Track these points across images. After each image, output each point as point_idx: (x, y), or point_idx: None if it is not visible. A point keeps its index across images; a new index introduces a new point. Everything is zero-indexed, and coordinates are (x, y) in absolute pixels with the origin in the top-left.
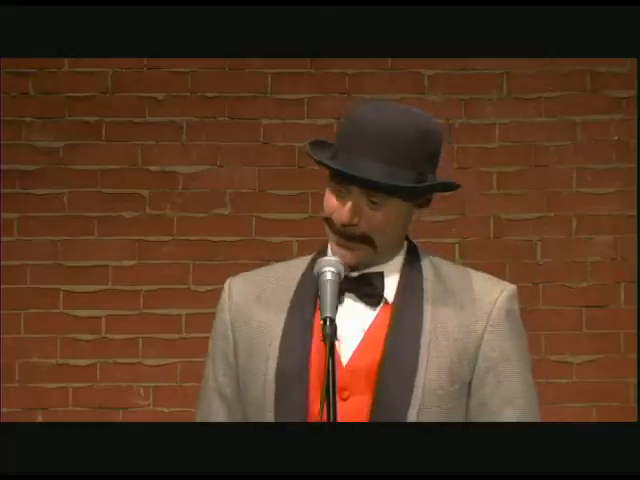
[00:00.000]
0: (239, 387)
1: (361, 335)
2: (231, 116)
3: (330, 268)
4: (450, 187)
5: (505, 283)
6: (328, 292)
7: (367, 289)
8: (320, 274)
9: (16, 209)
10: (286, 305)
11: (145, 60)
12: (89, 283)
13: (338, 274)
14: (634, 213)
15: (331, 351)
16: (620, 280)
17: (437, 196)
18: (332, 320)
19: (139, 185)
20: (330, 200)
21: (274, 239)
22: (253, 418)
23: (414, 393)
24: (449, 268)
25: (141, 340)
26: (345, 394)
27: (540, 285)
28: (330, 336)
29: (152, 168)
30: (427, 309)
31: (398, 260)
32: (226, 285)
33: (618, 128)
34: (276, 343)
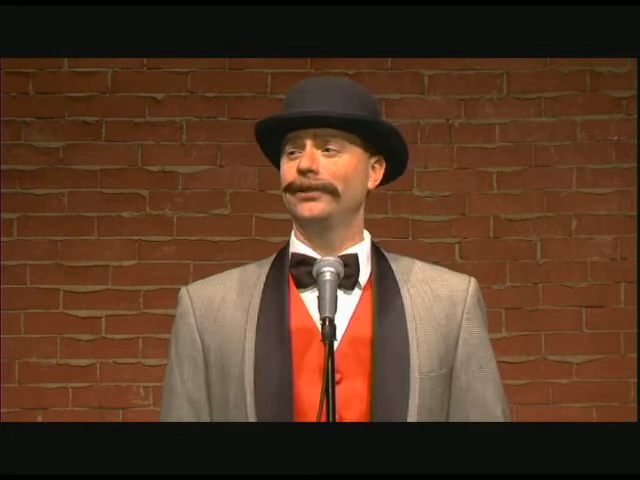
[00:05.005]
0: (208, 392)
1: (346, 321)
2: (231, 116)
3: (329, 268)
4: (396, 134)
5: (466, 274)
6: (327, 292)
7: (345, 270)
8: (319, 274)
9: (16, 209)
10: (256, 302)
11: (145, 60)
12: (89, 283)
13: (337, 274)
14: (634, 213)
15: (330, 351)
16: (620, 280)
17: (437, 196)
18: (331, 320)
19: (139, 185)
20: (286, 169)
21: (274, 239)
22: (233, 416)
23: (412, 376)
24: (410, 261)
25: (141, 340)
26: (337, 377)
27: (540, 285)
28: (329, 336)
29: (152, 168)
30: (405, 296)
31: (365, 247)
32: (183, 293)
33: (618, 128)
34: (251, 338)
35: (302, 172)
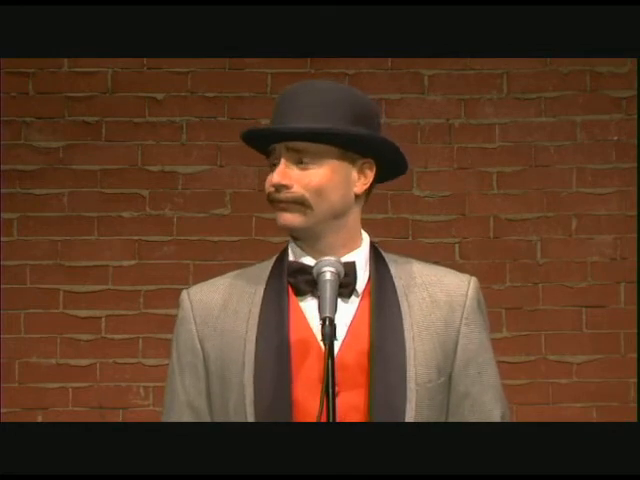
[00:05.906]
0: (209, 399)
1: (344, 330)
2: (231, 116)
3: (329, 268)
4: (373, 138)
5: (466, 275)
6: (327, 292)
7: (343, 279)
8: (319, 274)
9: (16, 209)
10: (256, 312)
11: (145, 60)
12: (89, 283)
13: (337, 274)
14: (634, 213)
15: (331, 351)
16: (620, 280)
17: (437, 196)
18: (331, 320)
19: (139, 185)
20: (267, 180)
21: (274, 239)
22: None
23: (408, 388)
24: (409, 263)
25: (141, 340)
26: (335, 390)
27: (540, 285)
28: (329, 336)
29: (152, 168)
30: (403, 303)
31: (363, 253)
32: (184, 297)
33: (618, 128)
34: (251, 349)
35: (274, 186)
